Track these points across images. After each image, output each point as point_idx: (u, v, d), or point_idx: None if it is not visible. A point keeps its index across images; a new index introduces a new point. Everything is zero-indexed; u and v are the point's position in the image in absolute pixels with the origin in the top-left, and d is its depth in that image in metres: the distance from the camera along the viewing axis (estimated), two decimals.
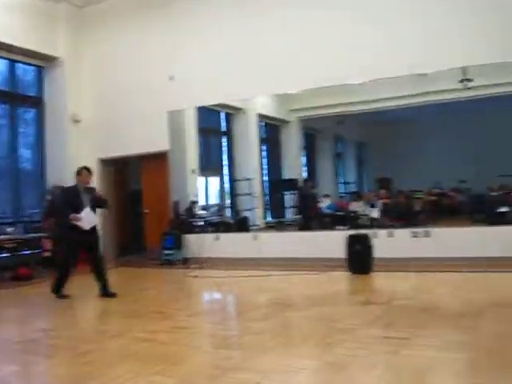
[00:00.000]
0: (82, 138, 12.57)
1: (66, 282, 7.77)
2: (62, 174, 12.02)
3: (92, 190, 7.78)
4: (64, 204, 7.85)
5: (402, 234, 9.77)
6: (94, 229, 7.77)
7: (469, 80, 11.52)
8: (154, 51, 11.92)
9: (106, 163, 12.83)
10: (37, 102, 12.55)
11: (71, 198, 7.64)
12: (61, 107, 12.36)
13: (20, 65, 12.23)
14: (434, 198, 15.34)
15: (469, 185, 15.76)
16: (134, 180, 13.32)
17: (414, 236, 9.56)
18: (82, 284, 9.71)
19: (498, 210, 11.74)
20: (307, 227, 11.90)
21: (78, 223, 7.40)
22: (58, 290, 7.69)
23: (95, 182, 12.54)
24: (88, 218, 7.51)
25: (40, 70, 12.60)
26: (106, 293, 7.57)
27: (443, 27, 9.25)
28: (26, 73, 12.68)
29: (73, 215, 7.41)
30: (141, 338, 5.08)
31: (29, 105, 12.60)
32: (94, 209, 7.68)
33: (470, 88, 11.70)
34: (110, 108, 12.52)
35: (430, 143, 16.47)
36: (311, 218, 12.43)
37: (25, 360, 4.67)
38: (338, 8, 10.08)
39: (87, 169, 7.77)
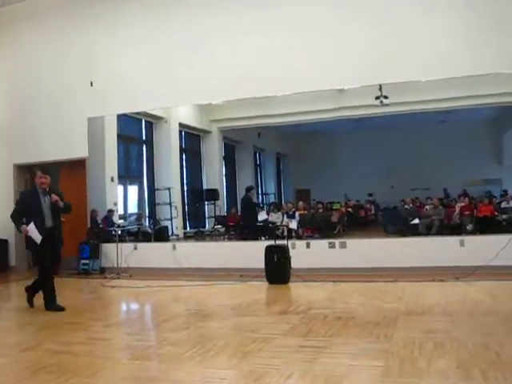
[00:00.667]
0: None
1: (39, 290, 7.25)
2: None
3: (51, 193, 7.23)
4: (21, 209, 7.31)
5: (320, 245, 9.99)
6: (56, 232, 7.26)
7: (385, 97, 11.93)
8: (74, 55, 11.66)
9: (22, 169, 12.42)
10: None
11: (29, 203, 7.20)
12: None
13: None
14: (350, 209, 15.74)
15: (381, 198, 16.30)
16: (53, 186, 12.95)
17: (331, 247, 9.77)
18: None
19: (411, 222, 12.20)
20: (249, 236, 11.97)
21: (30, 235, 7.00)
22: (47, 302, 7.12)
23: (10, 188, 12.24)
24: (34, 232, 7.05)
25: None
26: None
27: (363, 45, 9.52)
28: None
29: (23, 227, 7.02)
30: (55, 351, 4.94)
31: None
32: (54, 214, 7.21)
33: (385, 105, 12.12)
34: (26, 112, 12.13)
35: (346, 156, 16.95)
36: (253, 227, 12.46)
37: None
38: (254, 18, 10.21)
39: (42, 170, 7.35)
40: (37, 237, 6.96)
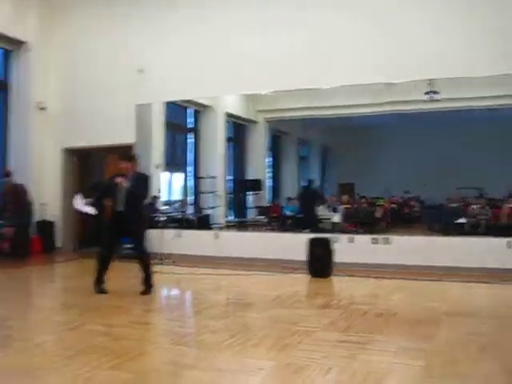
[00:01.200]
0: (46, 126, 12.37)
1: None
2: (24, 162, 11.84)
3: (138, 177, 7.23)
4: (101, 192, 7.58)
5: (363, 240, 9.88)
6: (125, 216, 7.14)
7: (435, 92, 11.70)
8: (125, 43, 11.77)
9: (70, 153, 12.65)
10: (1, 87, 12.29)
11: (107, 187, 7.37)
12: (26, 93, 12.12)
13: None
14: (394, 205, 15.55)
15: (426, 195, 16.04)
16: (98, 172, 13.15)
17: (375, 242, 9.67)
18: (41, 274, 9.61)
19: (457, 221, 11.96)
20: (311, 228, 11.78)
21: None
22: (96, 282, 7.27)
23: (59, 172, 12.48)
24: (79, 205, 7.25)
25: (7, 54, 12.32)
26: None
27: (413, 39, 9.37)
28: None
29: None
30: (98, 332, 5.03)
31: None
32: (128, 199, 7.07)
33: (435, 100, 11.89)
34: (76, 97, 12.33)
35: (392, 151, 16.70)
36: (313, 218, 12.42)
37: None
38: (315, 10, 10.10)
39: (120, 155, 7.39)
40: (82, 209, 7.11)
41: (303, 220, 12.56)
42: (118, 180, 7.04)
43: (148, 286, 7.14)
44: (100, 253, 7.35)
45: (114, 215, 7.21)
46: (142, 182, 7.21)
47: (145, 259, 7.27)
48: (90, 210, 7.16)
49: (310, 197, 12.73)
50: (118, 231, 7.22)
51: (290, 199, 14.17)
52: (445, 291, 7.32)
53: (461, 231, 11.43)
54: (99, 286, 7.15)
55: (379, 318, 5.58)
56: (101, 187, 7.75)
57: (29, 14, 12.07)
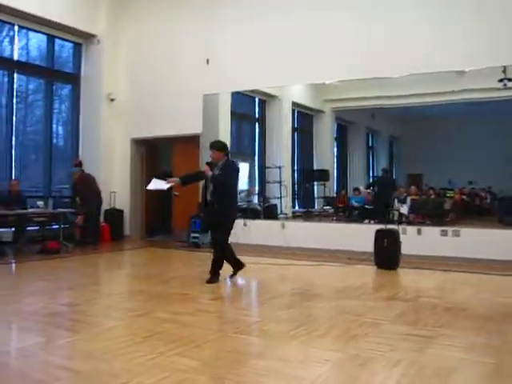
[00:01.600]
0: (115, 117, 12.68)
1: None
2: (94, 152, 12.16)
3: (225, 166, 7.19)
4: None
5: (431, 232, 9.67)
6: (215, 206, 7.16)
7: (509, 79, 11.30)
8: (192, 33, 11.91)
9: (139, 143, 12.92)
10: (73, 79, 12.65)
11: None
12: (96, 85, 12.46)
13: (58, 40, 12.31)
14: (464, 197, 15.16)
15: (499, 186, 15.56)
16: (165, 161, 13.38)
17: (443, 234, 9.45)
18: (109, 261, 9.87)
19: None
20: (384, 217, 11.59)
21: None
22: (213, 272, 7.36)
23: (127, 162, 12.76)
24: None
25: (78, 47, 12.67)
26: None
27: (483, 26, 9.08)
28: (63, 49, 12.78)
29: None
30: (164, 319, 5.11)
31: (65, 81, 12.71)
32: (216, 188, 7.10)
33: (509, 88, 11.48)
34: (144, 88, 12.57)
35: (461, 142, 16.26)
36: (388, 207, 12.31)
37: (50, 333, 4.72)
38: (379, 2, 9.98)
39: (210, 144, 7.42)
40: (156, 188, 7.30)
41: (375, 209, 12.34)
42: (205, 167, 7.20)
43: (216, 276, 7.20)
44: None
45: (205, 205, 7.33)
46: (228, 171, 7.20)
47: (221, 250, 7.28)
48: (165, 185, 7.30)
49: (386, 185, 12.53)
50: (208, 221, 7.37)
51: (356, 189, 14.02)
52: None
53: None
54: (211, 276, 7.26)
55: (448, 313, 5.45)
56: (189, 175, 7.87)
57: (98, 7, 12.39)
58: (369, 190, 13.43)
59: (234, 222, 7.41)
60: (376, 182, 14.02)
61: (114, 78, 12.71)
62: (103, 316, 5.30)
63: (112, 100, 12.59)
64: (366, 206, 13.04)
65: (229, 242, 7.33)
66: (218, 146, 7.32)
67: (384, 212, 11.93)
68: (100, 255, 10.26)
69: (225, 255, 7.34)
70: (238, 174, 7.50)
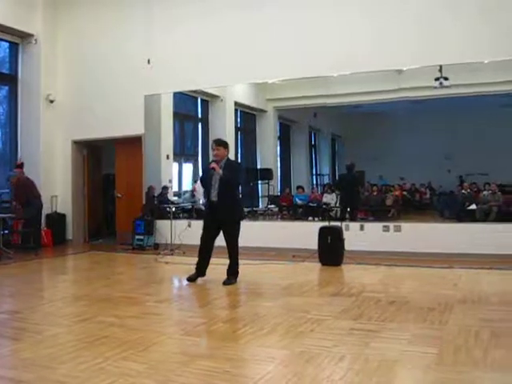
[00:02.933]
0: (55, 119, 12.40)
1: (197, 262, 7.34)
2: (34, 155, 11.87)
3: (228, 165, 7.04)
4: (202, 182, 7.41)
5: (374, 228, 9.86)
6: (222, 207, 6.99)
7: (445, 78, 11.59)
8: (132, 33, 11.76)
9: (80, 145, 12.68)
10: (10, 80, 12.30)
11: (205, 176, 7.25)
12: (35, 86, 12.14)
13: None
14: (405, 193, 15.49)
15: (437, 182, 15.98)
16: (108, 164, 13.19)
17: (385, 230, 9.64)
18: (52, 266, 9.66)
19: (468, 208, 11.90)
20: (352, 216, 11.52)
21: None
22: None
23: (68, 165, 12.50)
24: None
25: (15, 47, 12.31)
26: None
27: (423, 26, 9.29)
28: None
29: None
30: (109, 323, 5.04)
31: (1, 82, 12.35)
32: (222, 187, 6.92)
33: (445, 86, 11.78)
34: (84, 89, 12.34)
35: (402, 139, 16.62)
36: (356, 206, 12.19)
37: None
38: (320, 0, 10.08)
39: (215, 141, 7.24)
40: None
41: (343, 209, 12.20)
42: (213, 165, 6.87)
43: (234, 275, 7.18)
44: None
45: (208, 205, 7.16)
46: (236, 170, 7.13)
47: (235, 251, 7.22)
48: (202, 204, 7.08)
49: (349, 183, 12.26)
50: (212, 221, 7.12)
51: (299, 188, 14.16)
52: (456, 278, 7.27)
53: (472, 218, 11.37)
54: (192, 274, 7.22)
55: (391, 306, 5.56)
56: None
57: (35, 6, 12.06)
58: (336, 192, 13.18)
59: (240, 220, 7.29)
60: (339, 181, 13.87)
61: (52, 78, 12.42)
62: (46, 323, 5.18)
63: (51, 101, 12.30)
64: (310, 204, 13.18)
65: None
66: (224, 143, 7.15)
67: (351, 210, 11.84)
68: (42, 261, 10.03)
69: (237, 254, 7.24)
70: (241, 173, 7.38)
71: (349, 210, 11.96)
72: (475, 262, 8.20)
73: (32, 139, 12.04)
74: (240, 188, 7.73)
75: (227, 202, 6.98)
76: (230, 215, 7.07)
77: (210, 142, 13.84)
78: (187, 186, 13.97)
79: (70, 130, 12.44)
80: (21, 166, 11.13)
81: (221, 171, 6.85)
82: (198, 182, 6.95)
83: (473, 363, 3.76)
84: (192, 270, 7.42)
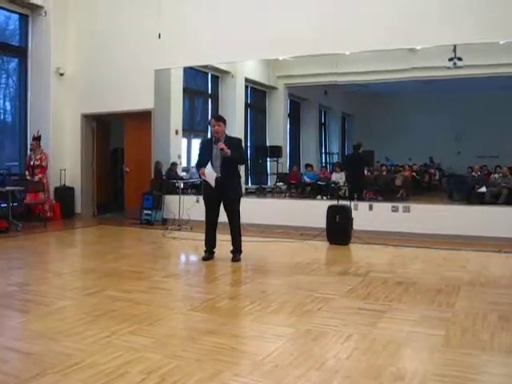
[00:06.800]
0: (65, 92, 12.35)
1: (206, 241, 7.36)
2: (43, 128, 11.85)
3: (228, 141, 6.94)
4: (199, 157, 7.28)
5: (382, 208, 9.81)
6: (226, 184, 6.96)
7: (459, 59, 11.46)
8: (143, 7, 11.64)
9: (90, 119, 12.64)
10: (20, 52, 12.22)
11: (204, 152, 7.16)
12: (45, 59, 12.06)
13: (3, 11, 11.83)
14: (414, 174, 15.41)
15: (447, 163, 15.90)
16: (116, 138, 13.16)
17: (394, 210, 9.60)
18: (60, 239, 9.70)
19: (478, 190, 11.82)
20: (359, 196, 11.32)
21: (205, 179, 6.96)
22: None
23: (78, 138, 12.49)
24: (211, 175, 6.90)
25: (25, 19, 12.22)
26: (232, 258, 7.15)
27: (434, 3, 9.14)
28: (9, 20, 12.33)
29: (201, 169, 6.97)
30: (116, 297, 5.06)
31: (11, 54, 12.29)
32: (225, 164, 6.90)
33: (459, 67, 11.65)
34: (94, 62, 12.25)
35: (413, 119, 16.50)
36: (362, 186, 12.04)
37: None
38: None
39: (215, 117, 7.14)
40: (211, 179, 6.91)
41: (351, 188, 11.88)
42: (221, 146, 6.79)
43: (238, 252, 7.18)
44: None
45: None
46: (240, 147, 7.11)
47: (237, 228, 7.24)
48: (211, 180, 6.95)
49: (355, 163, 12.15)
50: (214, 199, 7.10)
51: (308, 166, 14.10)
52: (465, 261, 7.25)
53: (482, 201, 11.30)
54: (204, 255, 7.24)
55: (399, 287, 5.55)
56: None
57: None
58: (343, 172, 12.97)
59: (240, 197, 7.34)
60: (346, 160, 13.69)
61: (62, 51, 12.33)
62: (54, 296, 5.20)
63: (61, 74, 12.24)
64: (319, 182, 13.13)
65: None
66: (223, 119, 7.08)
67: (358, 190, 11.64)
68: (50, 234, 10.06)
69: (240, 230, 7.30)
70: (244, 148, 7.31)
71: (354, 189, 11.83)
72: (484, 244, 8.17)
73: (41, 112, 12.01)
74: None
75: (232, 180, 7.02)
76: (235, 192, 7.13)
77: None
78: (196, 161, 13.92)
79: (79, 103, 12.39)
80: (38, 138, 11.19)
81: (229, 151, 6.79)
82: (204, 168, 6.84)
83: (480, 346, 3.75)
84: (199, 245, 7.42)
